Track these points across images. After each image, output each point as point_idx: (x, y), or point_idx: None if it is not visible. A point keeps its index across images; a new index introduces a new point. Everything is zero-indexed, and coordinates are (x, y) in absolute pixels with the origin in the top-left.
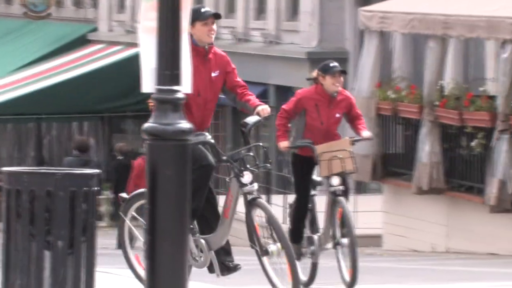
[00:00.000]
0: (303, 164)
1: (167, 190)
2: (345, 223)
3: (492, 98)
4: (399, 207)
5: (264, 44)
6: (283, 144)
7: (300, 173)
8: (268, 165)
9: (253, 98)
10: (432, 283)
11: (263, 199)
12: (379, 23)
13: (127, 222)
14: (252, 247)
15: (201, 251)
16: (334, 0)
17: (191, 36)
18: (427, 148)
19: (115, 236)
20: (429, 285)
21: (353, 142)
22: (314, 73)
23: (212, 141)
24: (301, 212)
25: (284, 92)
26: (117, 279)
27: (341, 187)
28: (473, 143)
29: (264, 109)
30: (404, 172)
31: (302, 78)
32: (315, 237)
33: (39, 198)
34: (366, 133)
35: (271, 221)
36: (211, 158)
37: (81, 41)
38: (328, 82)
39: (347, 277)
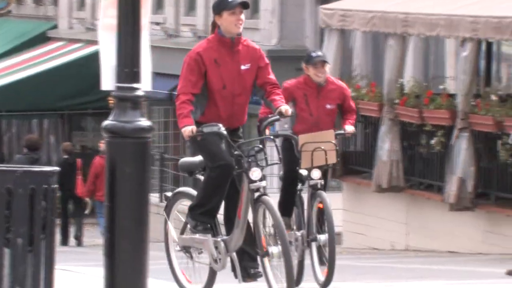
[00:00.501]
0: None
1: (126, 187)
2: (325, 219)
3: (452, 96)
4: (358, 205)
5: None
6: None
7: (288, 151)
8: (278, 162)
9: (278, 98)
10: (392, 280)
11: (269, 197)
12: (339, 21)
13: (169, 224)
14: (244, 248)
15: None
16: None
17: (218, 27)
18: (386, 146)
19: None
20: (389, 283)
21: (335, 136)
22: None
23: (225, 132)
24: (290, 185)
25: None
26: (76, 277)
27: (321, 181)
28: (432, 141)
29: (287, 109)
30: (364, 170)
31: None
32: (299, 234)
33: None
34: (349, 128)
35: (275, 222)
36: (229, 157)
37: (41, 39)
38: (311, 73)
39: (321, 276)
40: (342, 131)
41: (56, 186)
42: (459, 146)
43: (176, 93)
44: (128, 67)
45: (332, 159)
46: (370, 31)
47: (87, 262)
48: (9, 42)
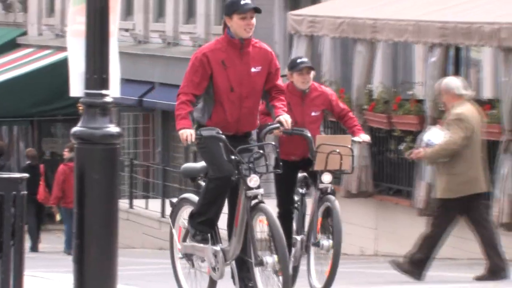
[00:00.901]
0: (285, 169)
1: (95, 193)
2: (333, 224)
3: (420, 101)
4: None
5: (194, 47)
6: None
7: (283, 180)
8: (279, 170)
9: (280, 106)
10: (361, 286)
11: (267, 205)
12: (308, 27)
13: (174, 231)
14: (243, 258)
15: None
16: (263, 4)
17: (228, 27)
18: (355, 152)
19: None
20: None
21: (351, 140)
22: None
23: (223, 137)
24: (285, 221)
25: None
26: (46, 283)
27: (331, 186)
28: (401, 147)
29: (287, 120)
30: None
31: None
32: (298, 238)
33: None
34: (365, 136)
35: (272, 230)
36: (229, 168)
37: (10, 45)
38: (296, 80)
39: (317, 284)
40: (358, 139)
41: (25, 192)
42: None
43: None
44: (97, 73)
45: (346, 165)
46: (339, 37)
47: (56, 268)
48: None
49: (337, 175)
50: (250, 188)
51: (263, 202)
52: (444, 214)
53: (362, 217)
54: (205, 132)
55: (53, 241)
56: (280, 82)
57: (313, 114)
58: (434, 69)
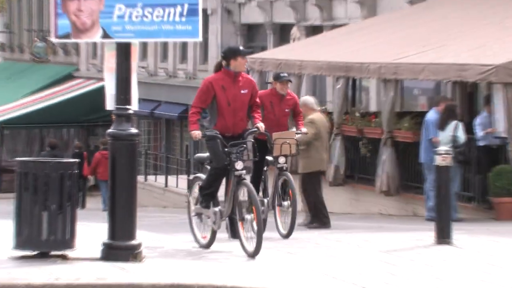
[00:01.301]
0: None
1: (122, 172)
2: (289, 189)
3: (330, 113)
4: None
5: (186, 79)
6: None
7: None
8: (256, 158)
9: (257, 116)
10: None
11: (247, 180)
12: (259, 65)
13: (190, 199)
14: (231, 216)
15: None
16: None
17: (223, 65)
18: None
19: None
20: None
21: (296, 134)
22: (270, 79)
23: (220, 136)
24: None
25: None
26: (89, 229)
27: (286, 164)
28: None
29: (262, 126)
30: None
31: None
32: (265, 200)
33: (40, 178)
34: (304, 129)
35: (250, 195)
36: (223, 160)
37: (68, 77)
38: (278, 87)
39: (283, 230)
40: (300, 132)
41: (76, 171)
42: (335, 144)
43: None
44: (123, 94)
45: (294, 150)
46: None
47: (97, 220)
48: (47, 78)
49: (288, 157)
50: (237, 170)
51: (245, 179)
52: (308, 183)
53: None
54: (208, 132)
55: (92, 202)
56: (258, 100)
57: (286, 110)
58: (339, 92)
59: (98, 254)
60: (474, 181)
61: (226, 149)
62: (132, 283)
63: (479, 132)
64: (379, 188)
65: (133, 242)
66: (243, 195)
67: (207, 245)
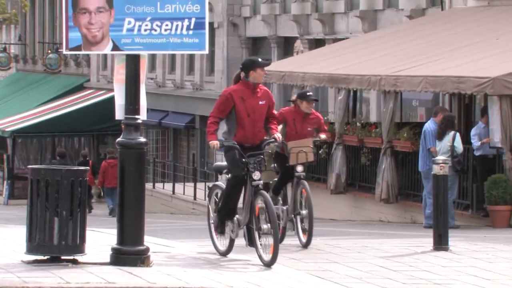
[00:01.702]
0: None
1: (131, 179)
2: (306, 200)
3: (332, 123)
4: None
5: (193, 90)
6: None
7: (280, 163)
8: (272, 169)
9: (274, 127)
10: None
11: (264, 191)
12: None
13: (209, 206)
14: (248, 226)
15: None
16: (236, 63)
17: (243, 77)
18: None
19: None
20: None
21: (314, 142)
22: (294, 97)
23: (238, 146)
24: (283, 179)
25: (205, 119)
26: (99, 235)
27: (303, 173)
28: (320, 151)
29: (279, 137)
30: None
31: None
32: (284, 208)
33: (51, 184)
34: (323, 136)
35: (267, 206)
36: (240, 169)
37: (80, 87)
38: (304, 106)
39: (304, 239)
40: (318, 138)
41: (86, 179)
42: (337, 154)
43: (208, 115)
44: (132, 105)
45: (311, 158)
46: (282, 84)
47: (105, 226)
48: (59, 89)
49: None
50: (254, 180)
51: (262, 189)
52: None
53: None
54: (226, 143)
55: (101, 208)
56: (275, 111)
57: (309, 129)
58: (341, 103)
59: (107, 259)
60: (470, 190)
61: (244, 160)
62: (140, 287)
63: (475, 143)
64: (379, 196)
65: (141, 247)
66: (260, 204)
67: (225, 253)
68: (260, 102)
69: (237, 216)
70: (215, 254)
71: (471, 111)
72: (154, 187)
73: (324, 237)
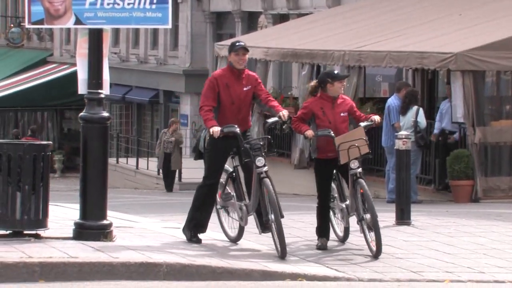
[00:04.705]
0: (325, 167)
1: (94, 154)
2: (365, 201)
3: (296, 98)
4: None
5: (157, 65)
6: (309, 132)
7: (322, 176)
8: (274, 152)
9: (276, 104)
10: None
11: (269, 178)
12: (226, 51)
13: (217, 196)
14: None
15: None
16: (200, 37)
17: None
18: (256, 129)
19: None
20: None
21: (365, 128)
22: (313, 83)
23: (237, 131)
24: (325, 210)
25: (168, 94)
26: (62, 209)
27: (359, 170)
28: (284, 126)
29: (285, 114)
30: None
31: (180, 86)
32: (343, 205)
33: (14, 159)
34: (377, 118)
35: (270, 197)
36: (218, 175)
37: (42, 62)
38: (336, 87)
39: (374, 248)
40: (369, 123)
41: (50, 153)
42: None
43: (199, 105)
44: (95, 79)
45: (365, 150)
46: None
47: (68, 201)
48: (22, 64)
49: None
50: (258, 167)
51: (266, 177)
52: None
53: None
54: (226, 129)
55: (64, 183)
56: (263, 88)
57: (341, 114)
58: (304, 78)
59: (70, 234)
60: (433, 165)
61: (246, 145)
62: (102, 261)
63: (440, 118)
64: None
65: (104, 222)
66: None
67: (235, 240)
68: (245, 89)
69: (244, 201)
70: (178, 228)
71: (434, 87)
72: (117, 162)
73: (287, 212)
